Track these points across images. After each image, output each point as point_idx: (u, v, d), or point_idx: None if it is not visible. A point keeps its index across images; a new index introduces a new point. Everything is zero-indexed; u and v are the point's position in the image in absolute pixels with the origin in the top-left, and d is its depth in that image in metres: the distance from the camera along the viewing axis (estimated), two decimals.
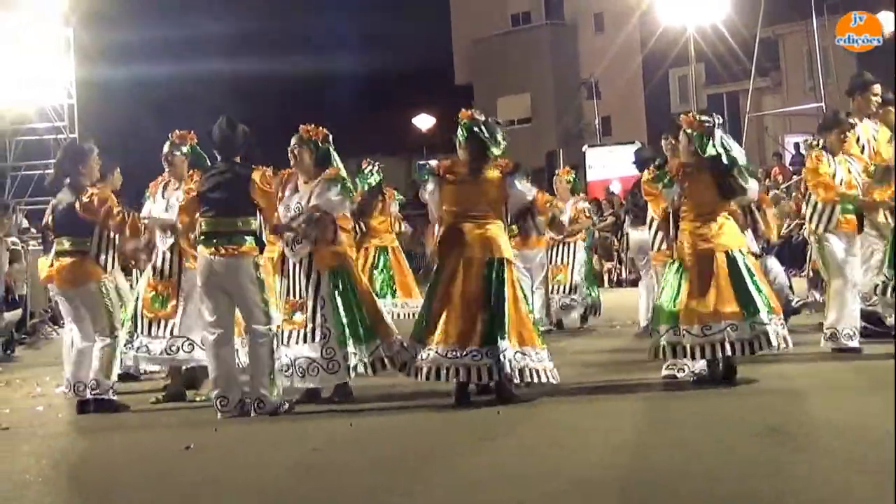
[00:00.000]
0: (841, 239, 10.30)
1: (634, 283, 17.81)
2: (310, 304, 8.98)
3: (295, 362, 8.95)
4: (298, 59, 41.70)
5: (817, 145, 10.62)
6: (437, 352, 8.58)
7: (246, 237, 8.77)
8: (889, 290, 10.17)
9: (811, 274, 14.14)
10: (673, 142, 9.61)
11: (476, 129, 8.89)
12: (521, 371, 8.54)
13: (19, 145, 22.77)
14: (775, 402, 8.09)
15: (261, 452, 7.37)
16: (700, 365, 9.03)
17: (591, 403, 8.65)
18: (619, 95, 40.88)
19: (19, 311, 16.86)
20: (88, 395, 9.32)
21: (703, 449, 6.62)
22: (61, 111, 22.40)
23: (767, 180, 24.24)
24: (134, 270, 11.23)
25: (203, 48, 39.02)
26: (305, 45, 45.10)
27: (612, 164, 32.56)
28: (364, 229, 13.98)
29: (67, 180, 9.60)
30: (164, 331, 9.78)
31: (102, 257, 9.49)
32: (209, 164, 9.42)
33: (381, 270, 14.24)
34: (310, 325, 8.95)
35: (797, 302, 12.72)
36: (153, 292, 9.87)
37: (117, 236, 9.57)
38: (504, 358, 8.44)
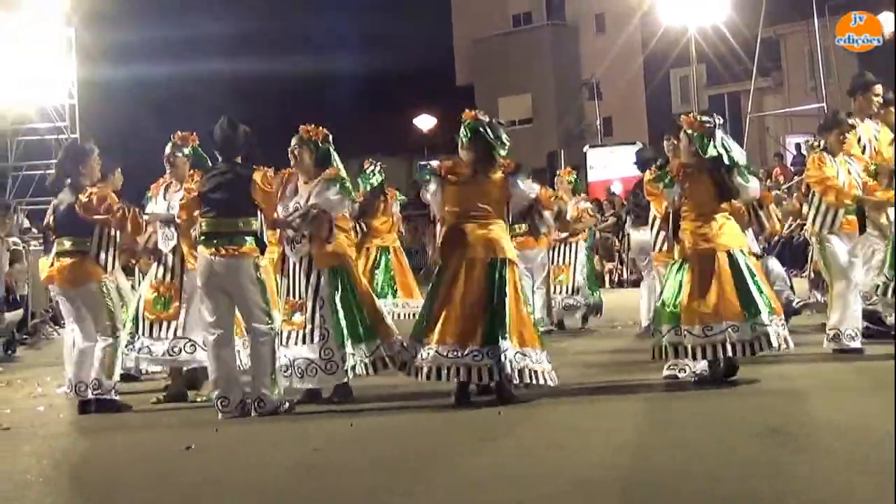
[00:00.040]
0: (843, 240, 10.29)
1: (636, 284, 17.82)
2: (309, 304, 8.99)
3: (294, 363, 8.95)
4: (299, 59, 41.74)
5: (818, 146, 10.62)
6: (437, 351, 8.58)
7: (246, 238, 8.77)
8: (890, 290, 10.16)
9: (812, 275, 14.13)
10: (675, 142, 9.61)
11: (481, 129, 8.89)
12: (520, 372, 8.54)
13: (21, 145, 22.79)
14: (776, 403, 8.09)
15: (261, 453, 7.37)
16: (701, 365, 9.02)
17: (592, 404, 8.65)
18: (620, 96, 40.88)
19: (20, 312, 16.86)
20: (90, 396, 9.33)
21: (705, 449, 6.62)
22: (63, 111, 22.41)
23: (769, 181, 24.22)
24: (136, 270, 11.22)
25: (204, 48, 39.07)
26: (306, 46, 45.15)
27: (613, 165, 32.56)
28: (365, 229, 13.98)
29: (68, 180, 9.60)
30: (167, 332, 9.78)
31: (102, 256, 9.49)
32: (211, 165, 9.42)
33: (383, 270, 14.24)
34: (308, 326, 8.96)
35: (798, 303, 12.72)
36: (155, 294, 9.87)
37: (118, 234, 9.56)
38: (505, 358, 8.44)
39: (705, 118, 9.11)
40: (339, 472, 6.65)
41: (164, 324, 9.80)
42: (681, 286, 8.89)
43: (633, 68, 41.75)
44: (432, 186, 8.98)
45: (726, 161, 8.91)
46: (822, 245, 10.38)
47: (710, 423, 7.47)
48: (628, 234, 13.98)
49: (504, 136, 8.96)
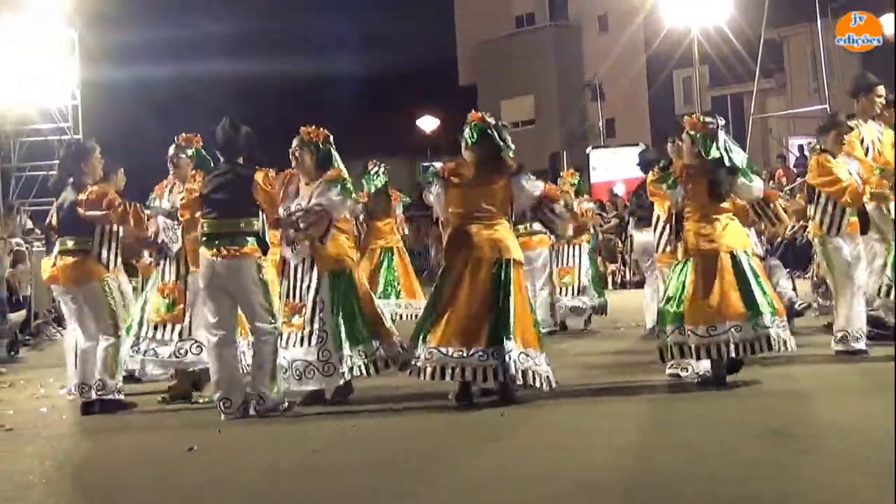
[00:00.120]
0: (846, 240, 10.28)
1: (638, 285, 17.83)
2: (308, 306, 8.99)
3: (292, 365, 8.95)
4: (301, 59, 41.78)
5: (818, 149, 10.62)
6: (441, 351, 8.56)
7: (248, 238, 8.78)
8: (892, 292, 10.15)
9: (815, 277, 14.12)
10: (679, 143, 9.61)
11: (489, 131, 8.90)
12: (524, 373, 8.54)
13: (23, 146, 22.75)
14: (779, 404, 8.09)
15: (264, 454, 7.37)
16: (704, 366, 9.02)
17: (594, 405, 8.65)
18: (622, 97, 40.86)
19: (23, 312, 16.87)
20: (94, 396, 9.33)
21: (707, 451, 6.62)
22: (65, 112, 22.38)
23: (772, 182, 24.20)
24: (138, 271, 11.23)
25: (206, 49, 39.11)
26: (309, 46, 45.20)
27: (615, 166, 32.51)
28: (365, 229, 13.99)
29: (71, 179, 9.62)
30: (172, 334, 9.78)
31: (104, 254, 9.49)
32: (213, 166, 9.43)
33: (386, 271, 14.25)
34: (307, 328, 8.96)
35: (801, 304, 12.70)
36: (161, 296, 9.88)
37: (120, 231, 9.57)
38: (509, 359, 8.44)
39: (708, 119, 9.12)
40: (341, 474, 6.65)
41: (170, 325, 9.81)
42: (684, 287, 8.90)
43: (636, 69, 41.71)
44: (435, 188, 8.98)
45: (727, 163, 8.92)
46: (825, 245, 10.37)
47: (713, 425, 7.47)
48: (631, 236, 13.97)
49: (509, 139, 8.98)
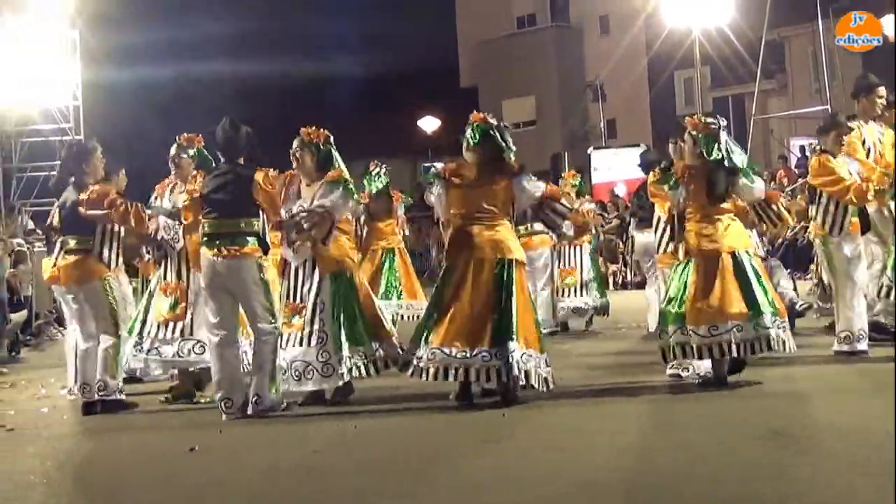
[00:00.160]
0: (847, 241, 10.27)
1: (639, 286, 17.83)
2: (309, 307, 8.99)
3: (291, 365, 8.95)
4: (303, 60, 41.80)
5: (818, 150, 10.63)
6: (444, 352, 8.56)
7: (249, 238, 8.79)
8: (892, 293, 10.15)
9: (816, 278, 14.12)
10: (682, 144, 9.60)
11: (491, 132, 8.90)
12: (527, 373, 8.55)
13: (25, 147, 22.77)
14: (779, 405, 8.09)
15: (264, 454, 7.38)
16: (705, 366, 9.03)
17: (595, 406, 8.65)
18: (624, 98, 40.84)
19: (25, 313, 16.88)
20: (95, 397, 9.34)
21: (707, 451, 6.62)
22: (67, 113, 22.41)
23: (773, 183, 24.20)
24: (139, 272, 11.24)
25: (207, 50, 39.14)
26: (311, 47, 45.24)
27: (617, 167, 32.49)
28: (365, 230, 13.99)
29: (72, 179, 9.63)
30: (175, 333, 9.79)
31: (105, 253, 9.51)
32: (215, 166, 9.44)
33: (388, 272, 14.23)
34: (307, 329, 8.96)
35: (801, 305, 12.70)
36: (163, 295, 9.89)
37: (121, 230, 9.58)
38: (513, 359, 8.45)
39: (710, 120, 9.12)
40: (342, 474, 6.65)
41: (172, 325, 9.82)
42: (686, 287, 8.89)
43: (637, 70, 41.70)
44: (436, 189, 8.98)
45: (726, 164, 8.92)
46: (827, 246, 10.36)
47: (714, 425, 7.47)
48: (632, 236, 13.97)
49: (511, 140, 8.98)
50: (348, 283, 9.11)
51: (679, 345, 8.84)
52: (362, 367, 9.00)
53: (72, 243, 9.52)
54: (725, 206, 9.03)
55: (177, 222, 9.73)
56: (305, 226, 8.91)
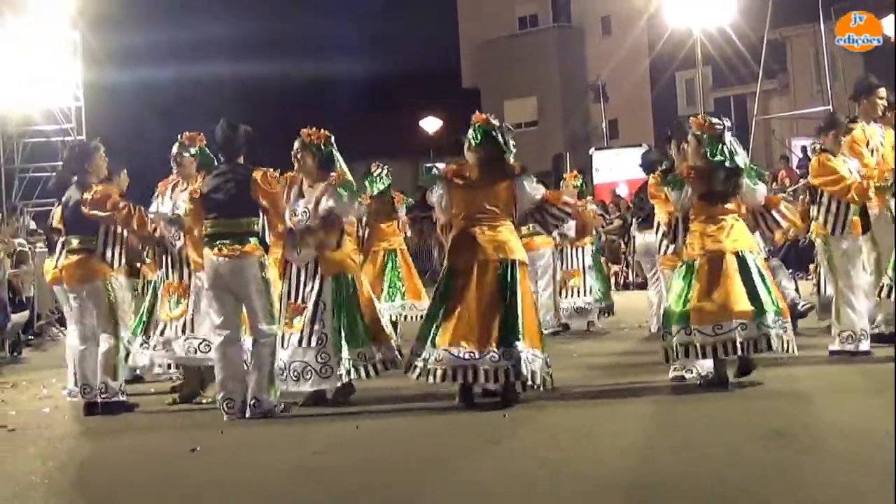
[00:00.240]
0: (848, 240, 10.27)
1: (641, 287, 17.83)
2: (310, 308, 9.00)
3: (289, 366, 8.97)
4: (305, 61, 41.76)
5: (817, 149, 10.62)
6: (452, 353, 8.54)
7: (250, 238, 8.79)
8: (893, 293, 10.12)
9: (816, 278, 14.10)
10: (685, 146, 9.59)
11: (493, 133, 8.90)
12: (532, 373, 8.54)
13: (27, 147, 22.80)
14: (781, 405, 8.09)
15: (265, 455, 7.38)
16: (707, 366, 9.02)
17: (597, 406, 8.64)
18: (626, 98, 40.82)
19: (26, 313, 16.86)
20: (97, 399, 9.33)
21: (710, 451, 6.62)
22: (68, 113, 22.44)
23: (774, 183, 24.18)
24: (140, 273, 11.25)
25: (208, 51, 39.12)
26: (312, 48, 45.15)
27: (619, 167, 32.48)
28: (368, 232, 13.99)
29: (75, 179, 9.63)
30: (180, 331, 9.81)
31: (108, 253, 9.51)
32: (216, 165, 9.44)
33: (391, 273, 14.22)
34: (307, 330, 8.97)
35: (804, 305, 12.68)
36: (167, 294, 9.91)
37: (124, 232, 9.59)
38: (521, 360, 8.45)
39: (715, 121, 9.12)
40: (342, 475, 6.65)
41: (177, 323, 9.84)
42: (690, 287, 8.89)
43: (639, 71, 41.69)
44: (438, 191, 8.98)
45: (728, 164, 8.92)
46: (828, 246, 10.36)
47: (715, 426, 7.47)
48: (634, 237, 13.96)
49: (512, 142, 8.98)
50: (350, 284, 9.12)
51: (682, 345, 8.83)
52: (361, 369, 9.01)
53: (74, 243, 9.53)
54: (729, 206, 9.03)
55: (176, 227, 9.73)
56: (322, 234, 8.94)
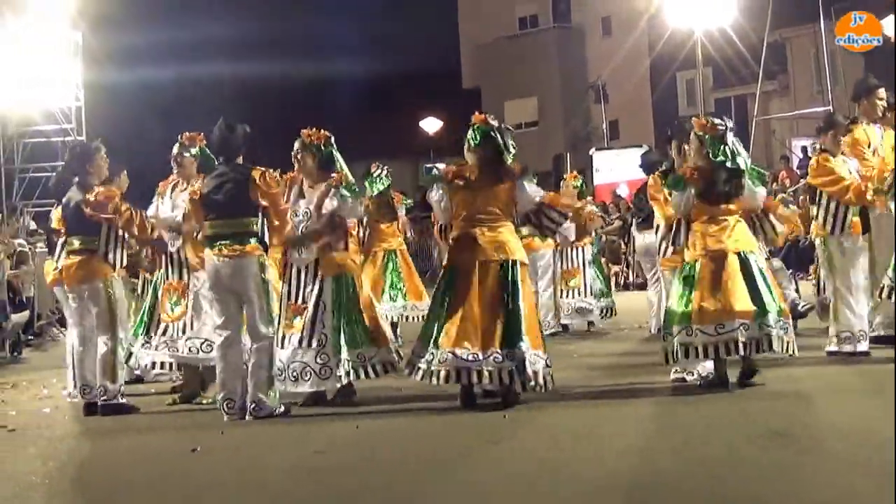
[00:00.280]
0: (848, 241, 10.27)
1: (642, 287, 17.83)
2: (310, 309, 9.00)
3: (288, 367, 8.97)
4: (305, 62, 41.76)
5: (820, 148, 10.63)
6: (457, 355, 8.53)
7: (250, 238, 8.79)
8: (894, 294, 10.12)
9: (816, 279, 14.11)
10: (685, 147, 9.59)
11: (492, 133, 8.90)
12: (535, 374, 8.55)
13: (27, 148, 22.81)
14: (781, 406, 8.09)
15: (265, 455, 7.39)
16: (707, 367, 9.02)
17: (597, 407, 8.64)
18: (626, 99, 40.82)
19: (26, 314, 16.87)
20: (98, 401, 9.33)
21: (709, 452, 6.62)
22: (69, 113, 22.45)
23: (775, 184, 24.20)
24: (140, 273, 11.25)
25: (209, 52, 39.12)
26: (312, 49, 45.15)
27: (619, 168, 32.50)
28: (367, 232, 14.00)
29: (76, 179, 9.63)
30: (178, 331, 9.82)
31: (111, 254, 9.51)
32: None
33: (392, 274, 14.23)
34: (307, 330, 8.97)
35: (804, 306, 12.68)
36: (167, 294, 9.92)
37: (125, 234, 9.59)
38: (526, 361, 8.45)
39: (717, 121, 9.12)
40: (342, 475, 6.65)
41: (178, 323, 9.85)
42: (692, 287, 8.88)
43: (640, 71, 41.69)
44: (438, 192, 8.97)
45: (730, 165, 8.92)
46: (828, 246, 10.36)
47: (715, 426, 7.47)
48: (634, 237, 13.96)
49: (511, 143, 8.97)
50: (350, 285, 9.12)
51: (682, 345, 8.83)
52: (360, 371, 9.02)
53: (76, 243, 9.52)
54: (731, 206, 9.03)
55: (176, 234, 9.77)
56: (326, 239, 8.96)
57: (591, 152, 36.26)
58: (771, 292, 8.89)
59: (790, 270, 14.05)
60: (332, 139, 9.31)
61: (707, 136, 9.02)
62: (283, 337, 9.06)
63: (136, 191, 10.58)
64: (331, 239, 9.08)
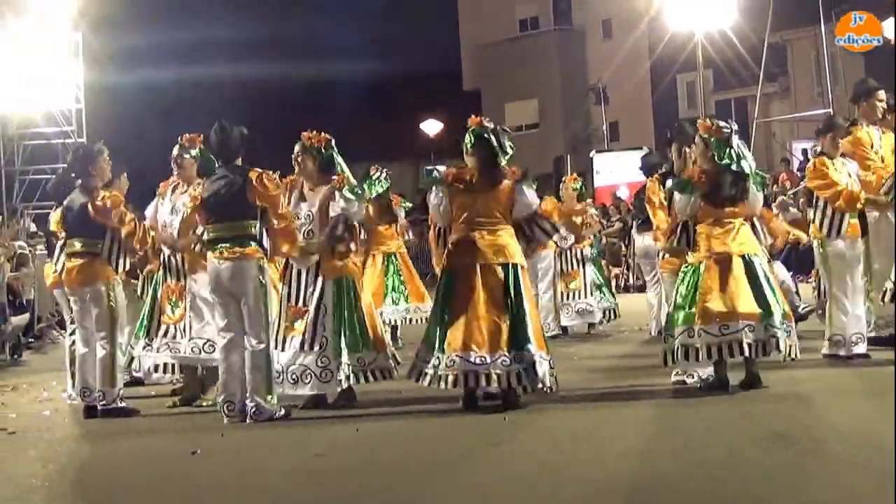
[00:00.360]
0: (846, 243, 10.27)
1: (642, 289, 17.82)
2: (311, 312, 8.98)
3: (287, 369, 8.94)
4: (305, 64, 41.76)
5: (818, 150, 10.64)
6: (465, 359, 8.50)
7: (250, 241, 8.78)
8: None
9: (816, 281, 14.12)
10: (685, 149, 9.59)
11: (485, 136, 8.89)
12: (543, 375, 8.54)
13: (27, 149, 22.82)
14: (782, 408, 8.09)
15: (266, 457, 7.38)
16: (708, 370, 9.02)
17: (597, 409, 8.64)
18: (627, 101, 40.81)
19: (26, 316, 16.85)
20: (97, 405, 9.32)
21: (710, 454, 6.62)
22: (69, 115, 22.45)
23: (775, 186, 24.21)
24: (140, 274, 11.26)
25: (209, 54, 39.13)
26: (313, 50, 45.16)
27: (619, 170, 32.52)
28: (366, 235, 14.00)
29: (79, 182, 9.62)
30: (178, 333, 9.82)
31: (114, 257, 9.49)
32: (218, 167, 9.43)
33: (393, 277, 14.23)
34: (308, 333, 8.95)
35: (804, 308, 12.69)
36: (167, 296, 9.92)
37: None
38: (536, 363, 8.45)
39: (722, 124, 9.11)
40: (342, 477, 6.65)
41: (179, 325, 9.85)
42: (696, 289, 8.87)
43: (640, 73, 41.72)
44: (438, 195, 8.96)
45: (735, 168, 8.92)
46: (824, 248, 10.36)
47: (715, 428, 7.47)
48: (634, 239, 13.95)
49: (507, 144, 8.95)
50: (351, 288, 9.11)
51: (683, 346, 8.81)
52: (360, 375, 9.01)
53: (77, 245, 9.49)
54: (736, 209, 9.02)
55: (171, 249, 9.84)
56: (345, 245, 8.99)
57: (591, 154, 36.29)
58: (775, 295, 8.89)
59: (790, 273, 14.05)
60: (333, 142, 9.30)
61: (712, 139, 9.01)
62: (284, 339, 9.05)
63: (137, 191, 10.58)
64: (348, 241, 9.07)
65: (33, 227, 21.52)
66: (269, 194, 8.77)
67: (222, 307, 8.86)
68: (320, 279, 9.03)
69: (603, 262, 17.16)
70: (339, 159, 9.29)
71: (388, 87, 46.79)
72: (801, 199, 20.02)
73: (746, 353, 8.72)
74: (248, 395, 8.69)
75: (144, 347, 9.95)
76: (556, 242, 13.92)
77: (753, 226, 9.43)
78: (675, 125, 10.26)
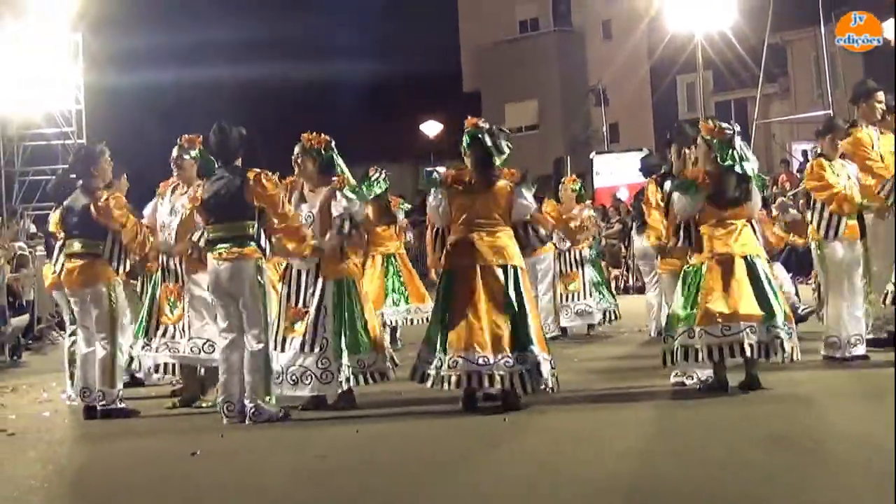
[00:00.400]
0: (844, 245, 10.27)
1: (642, 290, 17.82)
2: (312, 313, 8.97)
3: (286, 370, 8.92)
4: (305, 65, 41.76)
5: (817, 153, 10.64)
6: (468, 359, 8.49)
7: (249, 241, 8.77)
8: None
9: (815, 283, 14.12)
10: (685, 150, 9.58)
11: (480, 136, 8.89)
12: (547, 375, 8.55)
13: (27, 150, 22.83)
14: (781, 409, 8.09)
15: (265, 458, 7.38)
16: (707, 372, 9.02)
17: (596, 411, 8.64)
18: (626, 102, 40.82)
19: (26, 317, 16.85)
20: (97, 405, 9.32)
21: (710, 455, 6.62)
22: (69, 116, 22.46)
23: (775, 187, 24.20)
24: (139, 275, 11.26)
25: (209, 55, 39.10)
26: (313, 51, 45.15)
27: (619, 171, 32.52)
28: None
29: (80, 182, 9.62)
30: (176, 334, 9.82)
31: (115, 258, 9.49)
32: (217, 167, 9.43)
33: (393, 278, 14.22)
34: (308, 334, 8.95)
35: (804, 310, 12.69)
36: (165, 297, 9.92)
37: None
38: (540, 363, 8.46)
39: (724, 125, 9.11)
40: (343, 478, 6.65)
41: (178, 326, 9.85)
42: (698, 290, 8.87)
43: (640, 74, 41.73)
44: (437, 196, 8.95)
45: (738, 170, 8.92)
46: (822, 250, 10.36)
47: (715, 430, 7.47)
48: (633, 241, 13.95)
49: (503, 144, 8.94)
50: (351, 288, 9.11)
51: (682, 347, 8.81)
52: (360, 377, 9.00)
53: (77, 246, 9.49)
54: (738, 210, 9.02)
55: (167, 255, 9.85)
56: (354, 236, 8.99)
57: (591, 156, 36.29)
58: (777, 296, 8.89)
59: (790, 274, 14.05)
60: (333, 143, 9.30)
61: (715, 141, 9.01)
62: (284, 340, 9.04)
63: (136, 192, 10.57)
64: (356, 238, 9.09)
65: (33, 228, 21.51)
66: (267, 194, 8.75)
67: (223, 308, 8.86)
68: (321, 280, 9.02)
69: (602, 264, 17.15)
70: (339, 160, 9.29)
71: (388, 87, 46.79)
72: (801, 201, 19.99)
73: (747, 354, 8.71)
74: (246, 395, 8.69)
75: (143, 347, 9.96)
76: (555, 244, 13.92)
77: (753, 227, 9.43)
78: (675, 126, 10.25)
